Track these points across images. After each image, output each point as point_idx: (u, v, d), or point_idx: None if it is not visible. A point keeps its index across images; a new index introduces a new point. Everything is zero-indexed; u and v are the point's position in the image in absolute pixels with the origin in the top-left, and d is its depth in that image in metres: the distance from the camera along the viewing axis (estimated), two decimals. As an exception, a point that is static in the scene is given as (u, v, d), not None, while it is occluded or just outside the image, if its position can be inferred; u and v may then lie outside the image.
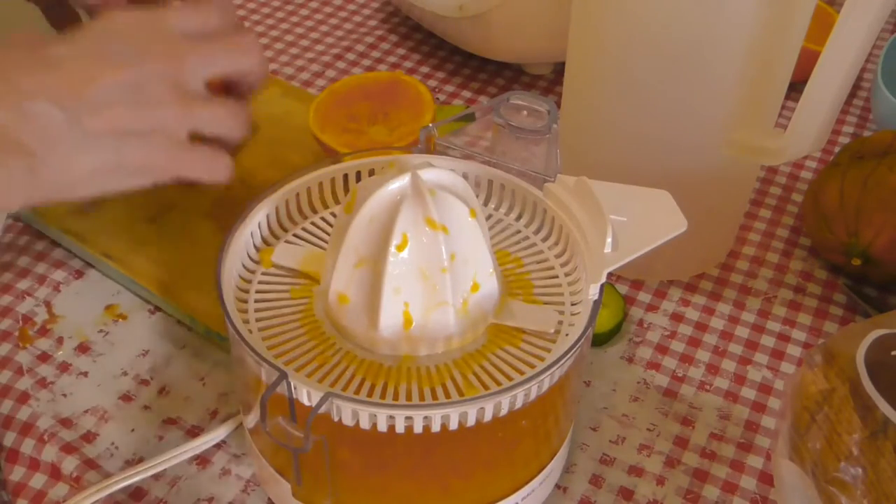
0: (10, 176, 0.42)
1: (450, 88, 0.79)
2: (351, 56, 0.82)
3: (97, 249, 0.60)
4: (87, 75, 0.43)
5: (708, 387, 0.56)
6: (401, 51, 0.83)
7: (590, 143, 0.58)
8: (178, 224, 0.61)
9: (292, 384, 0.38)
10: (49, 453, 0.50)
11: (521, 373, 0.40)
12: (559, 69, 0.80)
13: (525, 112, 0.45)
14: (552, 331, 0.42)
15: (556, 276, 0.46)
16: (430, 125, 0.47)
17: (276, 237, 0.47)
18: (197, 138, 0.47)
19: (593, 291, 0.42)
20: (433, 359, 0.41)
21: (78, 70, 0.43)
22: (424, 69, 0.81)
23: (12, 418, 0.52)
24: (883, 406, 0.40)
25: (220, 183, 0.49)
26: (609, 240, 0.42)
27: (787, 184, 0.71)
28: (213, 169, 0.48)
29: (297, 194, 0.48)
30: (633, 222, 0.43)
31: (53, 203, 0.45)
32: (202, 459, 0.50)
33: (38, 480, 0.49)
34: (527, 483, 0.45)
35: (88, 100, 0.43)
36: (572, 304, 0.44)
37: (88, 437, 0.51)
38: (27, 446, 0.50)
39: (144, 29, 0.46)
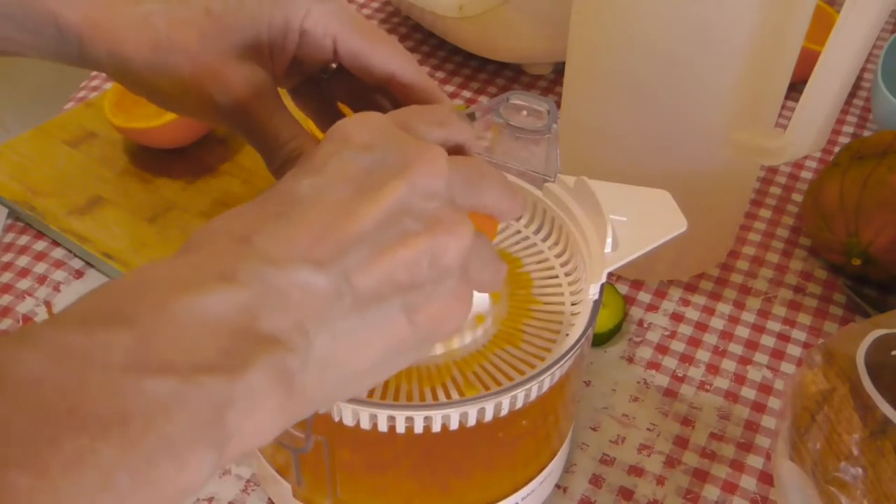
0: (263, 389, 0.26)
1: (450, 88, 0.79)
2: (351, 56, 0.82)
3: (97, 249, 0.60)
4: (339, 212, 0.29)
5: (708, 387, 0.56)
6: (401, 51, 0.83)
7: (590, 143, 0.58)
8: (178, 224, 0.61)
9: (292, 384, 0.38)
10: (49, 453, 0.50)
11: (522, 373, 0.40)
12: (559, 69, 0.80)
13: (525, 112, 0.45)
14: (557, 323, 0.42)
15: (556, 276, 0.46)
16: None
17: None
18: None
19: (593, 291, 0.42)
20: (433, 359, 0.41)
21: (329, 209, 0.30)
22: (424, 69, 0.81)
23: (12, 418, 0.52)
24: (883, 406, 0.40)
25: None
26: (609, 240, 0.42)
27: (787, 184, 0.71)
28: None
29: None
30: (633, 222, 0.43)
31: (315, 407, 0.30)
32: (202, 459, 0.50)
33: (38, 480, 0.49)
34: (527, 483, 0.45)
35: (350, 248, 0.29)
36: (572, 304, 0.44)
37: (88, 437, 0.51)
38: (27, 446, 0.50)
39: (389, 133, 0.32)
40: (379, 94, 0.42)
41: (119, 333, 0.25)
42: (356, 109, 0.43)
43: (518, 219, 0.48)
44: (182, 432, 0.24)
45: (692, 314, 0.60)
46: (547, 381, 0.40)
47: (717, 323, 0.60)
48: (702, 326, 0.59)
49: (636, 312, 0.60)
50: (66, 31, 0.39)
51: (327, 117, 0.44)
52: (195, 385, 0.25)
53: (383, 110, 0.36)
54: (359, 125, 0.32)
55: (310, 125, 0.58)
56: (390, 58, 0.40)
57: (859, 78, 0.81)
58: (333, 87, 0.44)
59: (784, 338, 0.59)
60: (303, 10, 0.40)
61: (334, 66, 0.43)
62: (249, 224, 0.29)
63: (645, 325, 0.59)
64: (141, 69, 0.39)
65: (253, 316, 0.27)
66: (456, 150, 0.34)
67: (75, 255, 0.61)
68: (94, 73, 0.77)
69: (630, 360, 0.57)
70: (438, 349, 0.41)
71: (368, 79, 0.41)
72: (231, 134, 0.68)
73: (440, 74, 0.80)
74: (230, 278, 0.27)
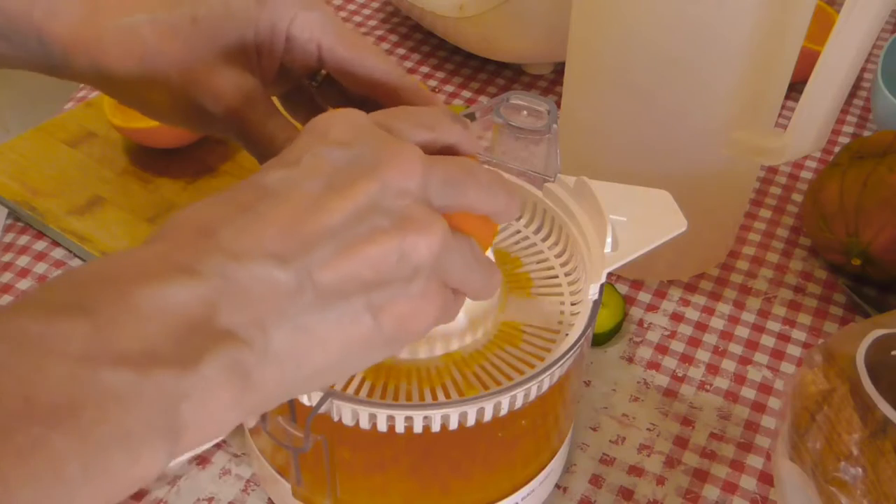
0: (217, 383, 0.27)
1: (450, 88, 0.79)
2: (351, 56, 0.82)
3: (97, 249, 0.60)
4: (308, 207, 0.29)
5: (708, 387, 0.56)
6: (401, 51, 0.83)
7: (590, 143, 0.58)
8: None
9: (292, 384, 0.38)
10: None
11: (521, 373, 0.40)
12: (559, 69, 0.80)
13: (525, 112, 0.45)
14: (557, 323, 0.42)
15: (556, 276, 0.46)
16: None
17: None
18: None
19: (593, 291, 0.42)
20: (433, 359, 0.41)
21: (295, 203, 0.29)
22: (424, 69, 0.81)
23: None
24: (883, 406, 0.40)
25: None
26: (609, 240, 0.42)
27: (787, 184, 0.71)
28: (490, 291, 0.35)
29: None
30: (633, 222, 0.43)
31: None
32: (202, 459, 0.50)
33: (37, 480, 0.49)
34: (527, 483, 0.45)
35: (316, 243, 0.29)
36: (572, 304, 0.44)
37: (88, 437, 0.51)
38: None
39: (366, 131, 0.32)
40: (368, 100, 0.42)
41: (78, 322, 0.25)
42: None
43: (518, 219, 0.48)
44: (136, 423, 0.25)
45: (692, 314, 0.60)
46: (547, 381, 0.40)
47: (717, 323, 0.60)
48: (702, 326, 0.59)
49: (636, 312, 0.60)
50: (50, 45, 0.39)
51: None
52: (149, 376, 0.25)
53: None
54: (337, 121, 0.32)
55: None
56: (374, 65, 0.40)
57: (859, 78, 0.81)
58: (324, 93, 0.44)
59: (784, 338, 0.59)
60: (289, 16, 0.39)
61: (324, 72, 0.43)
62: (217, 216, 0.29)
63: (645, 325, 0.59)
64: (129, 81, 0.39)
65: (211, 309, 0.27)
66: (447, 151, 0.34)
67: (75, 255, 0.61)
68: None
69: (630, 360, 0.57)
70: (438, 350, 0.41)
71: (353, 86, 0.41)
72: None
73: (440, 74, 0.80)
74: (192, 271, 0.27)
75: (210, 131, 0.41)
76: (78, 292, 0.26)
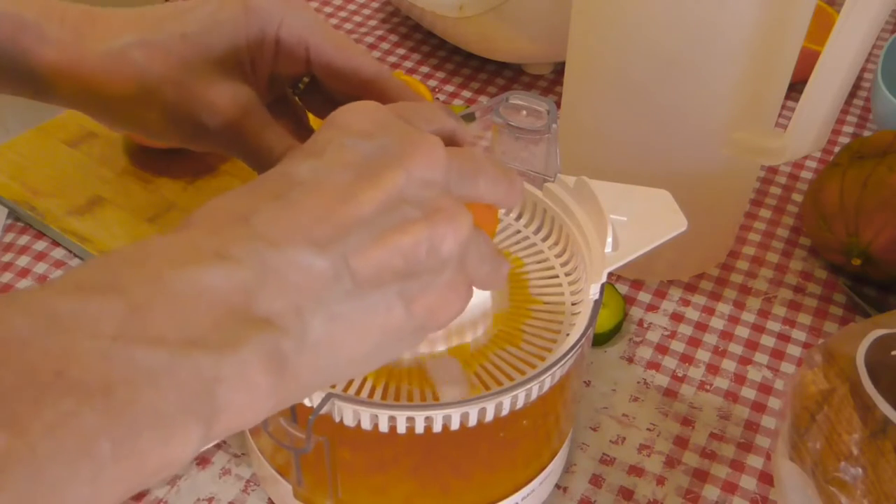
0: (255, 368, 0.26)
1: (450, 88, 0.79)
2: (351, 56, 0.82)
3: (97, 249, 0.60)
4: (340, 196, 0.29)
5: (708, 387, 0.56)
6: (401, 51, 0.83)
7: (590, 143, 0.58)
8: (177, 224, 0.61)
9: (293, 384, 0.38)
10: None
11: (522, 373, 0.40)
12: (559, 69, 0.80)
13: (525, 112, 0.45)
14: (558, 323, 0.42)
15: (556, 276, 0.46)
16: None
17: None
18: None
19: (593, 291, 0.42)
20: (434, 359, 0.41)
21: (327, 192, 0.29)
22: (424, 69, 0.81)
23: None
24: (883, 406, 0.40)
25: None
26: (609, 240, 0.42)
27: (787, 184, 0.71)
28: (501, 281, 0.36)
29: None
30: (633, 222, 0.43)
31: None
32: (202, 459, 0.50)
33: (38, 480, 0.49)
34: (527, 483, 0.45)
35: (351, 231, 0.29)
36: (572, 304, 0.44)
37: (89, 437, 0.51)
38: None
39: (389, 123, 0.32)
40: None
41: (112, 303, 0.25)
42: None
43: (518, 218, 0.48)
44: (169, 404, 0.24)
45: (692, 314, 0.60)
46: (547, 381, 0.40)
47: (717, 323, 0.60)
48: (702, 326, 0.59)
49: (636, 312, 0.60)
50: (37, 71, 0.38)
51: (303, 131, 0.44)
52: (185, 358, 0.25)
53: None
54: (359, 113, 0.32)
55: None
56: (362, 63, 0.40)
57: (859, 78, 0.81)
58: (307, 100, 0.43)
59: (784, 338, 0.59)
60: (276, 20, 0.39)
61: (306, 79, 0.42)
62: (248, 204, 0.29)
63: (645, 325, 0.59)
64: (124, 104, 0.39)
65: (249, 295, 0.27)
66: (449, 143, 0.35)
67: (75, 255, 0.61)
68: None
69: (630, 360, 0.57)
70: (440, 346, 0.41)
71: (341, 87, 0.40)
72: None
73: (440, 74, 0.80)
74: (228, 256, 0.27)
75: (207, 147, 0.40)
76: (112, 274, 0.26)
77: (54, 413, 0.22)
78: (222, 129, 0.38)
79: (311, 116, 0.44)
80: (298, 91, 0.43)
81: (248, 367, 0.26)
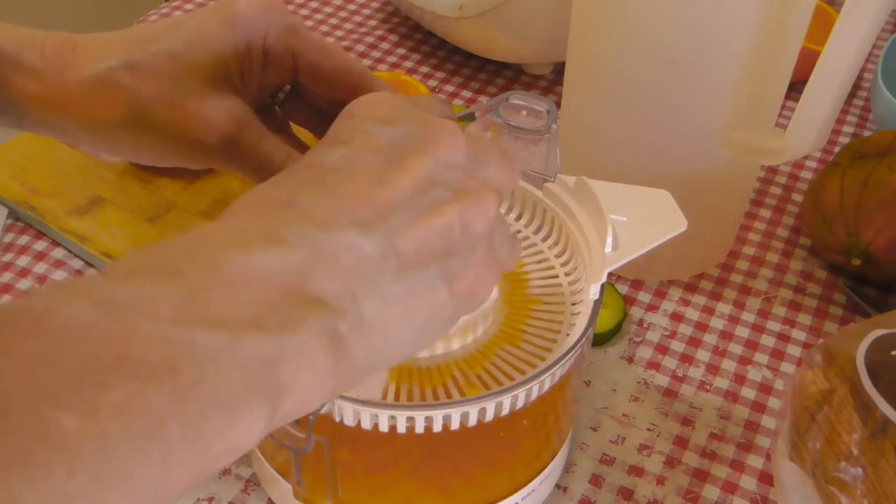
0: (316, 348, 0.26)
1: (450, 88, 0.79)
2: (351, 56, 0.82)
3: (97, 249, 0.60)
4: (375, 180, 0.30)
5: (708, 387, 0.56)
6: (401, 51, 0.83)
7: (590, 143, 0.58)
8: (177, 224, 0.61)
9: (293, 384, 0.38)
10: (49, 453, 0.50)
11: (522, 373, 0.40)
12: (559, 69, 0.80)
13: (525, 112, 0.45)
14: (558, 323, 0.42)
15: (556, 276, 0.46)
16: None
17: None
18: None
19: (593, 291, 0.42)
20: (434, 359, 0.41)
21: (362, 176, 0.30)
22: (424, 69, 0.81)
23: (12, 418, 0.52)
24: (883, 406, 0.40)
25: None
26: (609, 240, 0.42)
27: (787, 184, 0.71)
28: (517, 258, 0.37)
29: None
30: (633, 222, 0.43)
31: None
32: (202, 459, 0.50)
33: (38, 480, 0.49)
34: (527, 483, 0.45)
35: (392, 213, 0.30)
36: (572, 304, 0.44)
37: (89, 437, 0.51)
38: (27, 446, 0.50)
39: (407, 110, 0.33)
40: (333, 110, 0.41)
41: (169, 287, 0.25)
42: (314, 129, 0.42)
43: (518, 218, 0.48)
44: (234, 385, 0.24)
45: (692, 314, 0.60)
46: (547, 381, 0.40)
47: (717, 323, 0.60)
48: (702, 326, 0.59)
49: (636, 312, 0.60)
50: (20, 101, 0.37)
51: (291, 140, 0.43)
52: (246, 339, 0.25)
53: None
54: (377, 102, 0.33)
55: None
56: (346, 64, 0.40)
57: (859, 78, 0.81)
58: (288, 109, 0.43)
59: (784, 338, 0.59)
60: (262, 29, 0.39)
61: (287, 88, 0.42)
62: (288, 191, 0.29)
63: (645, 325, 0.59)
64: (116, 132, 0.38)
65: (303, 277, 0.27)
66: None
67: (75, 255, 0.61)
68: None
69: (630, 360, 0.57)
70: (439, 348, 0.41)
71: (325, 90, 0.40)
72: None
73: (440, 74, 0.80)
74: (280, 240, 0.27)
75: (206, 164, 0.40)
76: (166, 259, 0.26)
77: (121, 395, 0.22)
78: (220, 145, 0.38)
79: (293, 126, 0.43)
80: (278, 101, 0.42)
81: (309, 347, 0.26)
